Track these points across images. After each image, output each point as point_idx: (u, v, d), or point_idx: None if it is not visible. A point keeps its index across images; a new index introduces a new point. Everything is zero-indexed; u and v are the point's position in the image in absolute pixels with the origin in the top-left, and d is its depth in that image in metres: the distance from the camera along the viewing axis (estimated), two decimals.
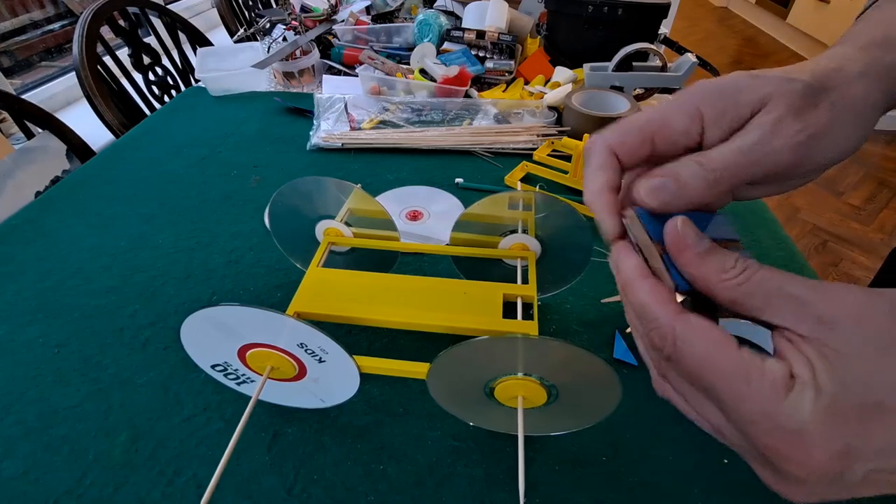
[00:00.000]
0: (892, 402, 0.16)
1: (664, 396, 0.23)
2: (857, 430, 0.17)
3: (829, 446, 0.17)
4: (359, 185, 0.45)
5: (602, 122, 0.69)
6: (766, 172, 0.21)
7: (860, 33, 0.25)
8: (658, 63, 0.80)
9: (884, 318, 0.17)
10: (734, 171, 0.21)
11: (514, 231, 0.45)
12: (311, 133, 0.78)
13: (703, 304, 0.21)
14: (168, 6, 1.22)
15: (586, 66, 0.81)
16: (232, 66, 0.97)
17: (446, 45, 0.95)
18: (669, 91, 0.85)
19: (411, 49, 0.92)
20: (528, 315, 0.40)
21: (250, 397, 0.34)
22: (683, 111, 0.23)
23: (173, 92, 1.20)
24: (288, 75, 0.95)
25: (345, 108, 0.82)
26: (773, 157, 0.21)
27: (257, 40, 1.03)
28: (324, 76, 0.95)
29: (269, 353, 0.34)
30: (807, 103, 0.21)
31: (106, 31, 1.02)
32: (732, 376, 0.18)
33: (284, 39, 0.98)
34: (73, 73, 0.94)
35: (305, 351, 0.34)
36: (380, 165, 0.72)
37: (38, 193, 0.81)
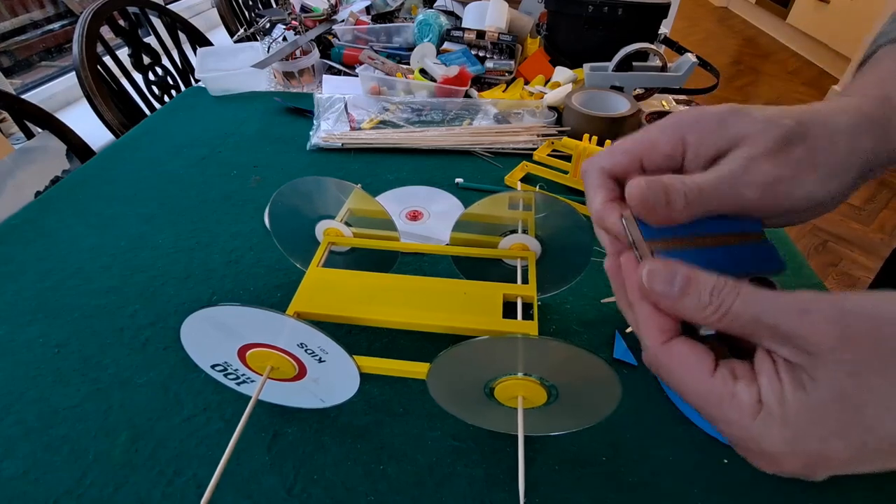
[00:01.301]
0: (860, 428, 0.17)
1: None
2: (821, 452, 0.18)
3: (793, 464, 0.19)
4: (359, 185, 0.45)
5: (602, 122, 0.69)
6: (734, 205, 0.22)
7: (858, 88, 0.26)
8: (658, 63, 0.80)
9: (862, 342, 0.17)
10: (705, 197, 0.21)
11: (514, 231, 0.45)
12: (311, 133, 0.78)
13: None
14: (168, 6, 1.22)
15: (586, 66, 0.81)
16: (232, 66, 0.97)
17: (446, 45, 0.95)
18: (669, 91, 0.85)
19: (411, 49, 0.92)
20: (528, 315, 0.40)
21: (250, 397, 0.34)
22: (668, 136, 0.24)
23: (173, 92, 1.20)
24: (288, 75, 0.95)
25: (345, 108, 0.82)
26: (740, 192, 0.22)
27: (257, 40, 1.03)
28: (324, 76, 0.95)
29: (269, 353, 0.34)
30: (783, 148, 0.22)
31: (106, 31, 1.02)
32: (706, 401, 0.20)
33: (284, 39, 0.98)
34: (73, 73, 0.94)
35: (305, 351, 0.34)
36: (380, 165, 0.72)
37: (38, 193, 0.81)
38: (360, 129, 0.78)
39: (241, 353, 0.35)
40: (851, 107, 0.24)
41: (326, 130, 0.77)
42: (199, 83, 0.97)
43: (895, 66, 0.26)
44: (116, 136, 0.95)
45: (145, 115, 1.08)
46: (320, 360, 0.34)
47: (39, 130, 0.87)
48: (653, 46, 0.78)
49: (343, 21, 1.03)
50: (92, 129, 1.03)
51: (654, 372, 0.22)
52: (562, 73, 0.88)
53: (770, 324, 0.19)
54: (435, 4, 1.05)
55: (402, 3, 1.06)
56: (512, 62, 0.92)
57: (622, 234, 0.23)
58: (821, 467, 0.19)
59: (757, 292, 0.19)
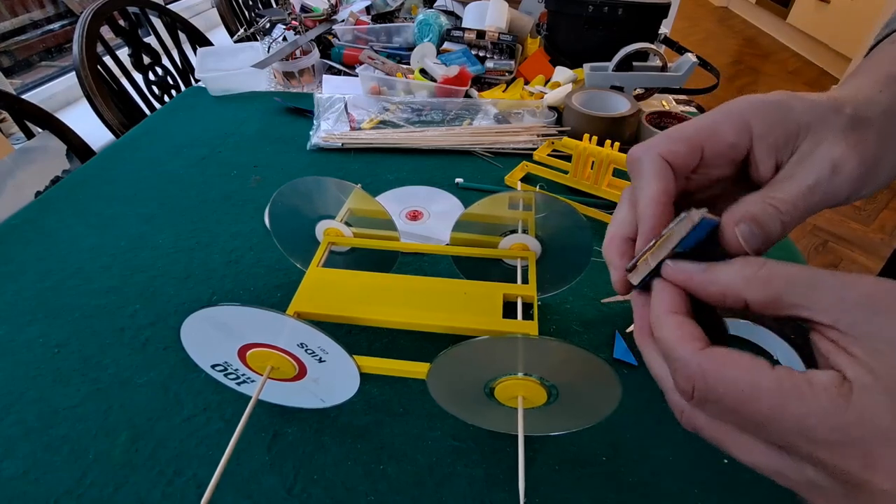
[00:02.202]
0: None
1: (694, 430, 0.22)
2: None
3: None
4: (359, 185, 0.45)
5: (602, 122, 0.69)
6: (827, 205, 0.22)
7: (874, 69, 0.25)
8: (658, 63, 0.79)
9: None
10: (803, 210, 0.21)
11: (514, 231, 0.45)
12: (311, 133, 0.78)
13: (705, 317, 0.21)
14: (168, 6, 1.22)
15: (586, 66, 0.81)
16: (232, 66, 0.97)
17: (446, 45, 0.95)
18: (670, 91, 0.85)
19: (411, 49, 0.92)
20: (528, 315, 0.40)
21: (250, 397, 0.34)
22: (732, 123, 0.23)
23: (173, 92, 1.20)
24: (288, 75, 0.95)
25: (345, 108, 0.82)
26: (835, 191, 0.21)
27: (257, 40, 1.03)
28: (324, 76, 0.95)
29: (269, 353, 0.34)
30: (857, 136, 0.22)
31: (106, 31, 1.02)
32: (784, 396, 0.16)
33: (284, 39, 0.98)
34: (73, 73, 0.94)
35: (305, 351, 0.34)
36: (380, 165, 0.72)
37: (38, 193, 0.81)
38: (360, 129, 0.78)
39: (241, 353, 0.35)
40: (881, 87, 0.24)
41: (326, 130, 0.77)
42: (199, 83, 0.97)
43: None
44: (116, 136, 0.95)
45: (145, 115, 1.08)
46: (320, 360, 0.34)
47: (39, 130, 0.87)
48: (653, 46, 0.78)
49: (343, 21, 1.03)
50: (92, 129, 1.02)
51: (700, 392, 0.18)
52: (562, 73, 0.88)
53: (829, 284, 0.17)
54: (435, 4, 1.05)
55: (402, 3, 1.06)
56: (512, 62, 0.92)
57: (661, 226, 0.21)
58: None
59: (799, 265, 0.18)
